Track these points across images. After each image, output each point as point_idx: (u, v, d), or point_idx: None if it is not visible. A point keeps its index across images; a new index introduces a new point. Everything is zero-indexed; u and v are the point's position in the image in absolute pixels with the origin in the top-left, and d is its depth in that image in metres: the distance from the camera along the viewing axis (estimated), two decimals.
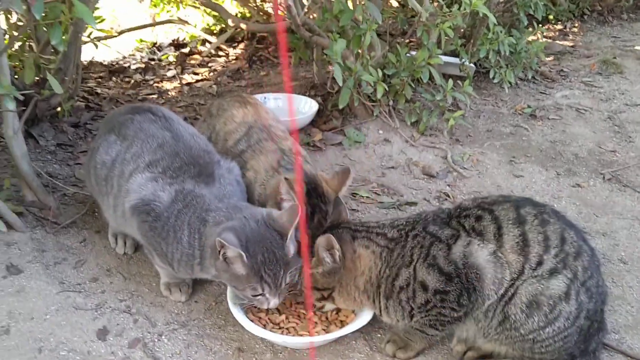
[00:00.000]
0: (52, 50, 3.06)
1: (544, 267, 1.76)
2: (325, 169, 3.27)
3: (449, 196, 3.07)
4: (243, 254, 1.83)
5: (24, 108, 2.36)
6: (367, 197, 3.02)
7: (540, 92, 4.49)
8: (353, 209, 2.91)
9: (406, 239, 1.90)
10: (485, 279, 1.78)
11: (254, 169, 2.39)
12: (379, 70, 3.27)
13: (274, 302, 1.95)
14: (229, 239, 1.83)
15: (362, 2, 3.27)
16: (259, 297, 1.93)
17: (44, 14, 2.12)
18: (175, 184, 2.08)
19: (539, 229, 1.80)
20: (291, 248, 1.96)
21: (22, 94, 1.98)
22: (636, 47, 5.51)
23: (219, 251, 1.85)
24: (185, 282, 2.24)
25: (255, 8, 4.97)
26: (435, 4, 3.70)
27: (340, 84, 3.17)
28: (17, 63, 3.50)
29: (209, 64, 4.97)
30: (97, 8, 3.46)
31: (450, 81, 3.59)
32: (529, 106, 4.16)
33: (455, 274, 1.80)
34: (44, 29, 2.74)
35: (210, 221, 1.97)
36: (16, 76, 2.98)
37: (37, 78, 3.16)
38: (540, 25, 4.76)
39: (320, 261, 1.92)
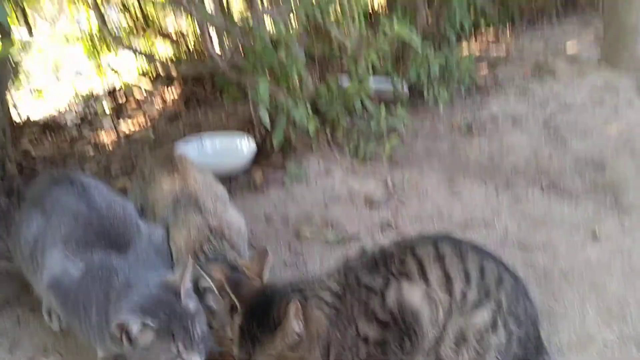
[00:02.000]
0: None
1: (467, 300, 1.77)
2: (268, 210, 3.25)
3: (391, 225, 3.07)
4: (146, 321, 1.78)
5: None
6: (311, 237, 3.00)
7: (476, 105, 4.54)
8: (298, 252, 2.89)
9: (345, 294, 1.86)
10: (423, 318, 1.77)
11: (175, 242, 2.31)
12: (309, 106, 3.28)
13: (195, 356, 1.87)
14: (124, 317, 1.78)
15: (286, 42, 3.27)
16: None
17: None
18: (85, 257, 2.04)
19: (458, 264, 1.81)
20: (190, 303, 1.92)
21: None
22: (567, 48, 5.65)
23: (121, 336, 1.79)
24: (124, 357, 2.18)
25: (187, 51, 4.95)
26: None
27: (267, 126, 3.16)
28: None
29: (145, 108, 4.92)
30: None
31: (383, 108, 3.60)
32: (465, 120, 4.20)
33: (392, 321, 1.78)
34: None
35: (111, 300, 1.91)
36: None
37: None
38: (469, 39, 4.83)
39: (290, 333, 1.75)
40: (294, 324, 1.72)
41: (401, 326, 1.78)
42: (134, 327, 1.78)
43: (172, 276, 1.95)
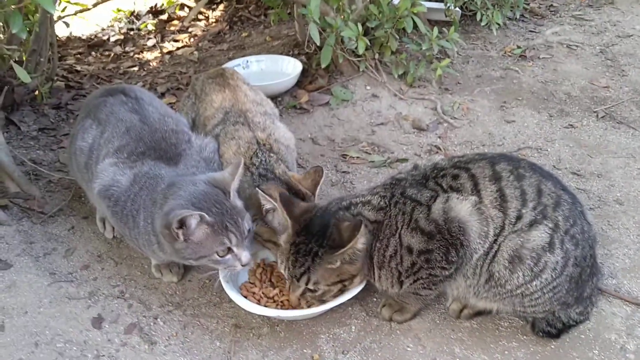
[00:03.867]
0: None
1: (523, 221, 1.74)
2: (314, 131, 3.21)
3: (440, 149, 3.01)
4: (203, 213, 1.80)
5: None
6: (357, 157, 2.97)
7: (530, 31, 4.36)
8: (344, 171, 2.87)
9: (389, 207, 1.86)
10: (471, 232, 1.76)
11: (224, 157, 2.30)
12: (359, 25, 3.17)
13: (244, 255, 1.90)
14: (183, 212, 1.79)
15: None
16: (229, 254, 1.88)
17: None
18: (135, 167, 2.05)
19: (515, 184, 1.77)
20: (237, 201, 1.94)
21: None
22: None
23: (176, 232, 1.81)
24: (176, 263, 2.22)
25: None
26: None
27: (318, 43, 3.07)
28: None
29: (189, 29, 4.85)
30: None
31: (436, 29, 3.47)
32: (518, 47, 4.05)
33: (437, 232, 1.77)
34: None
35: (157, 204, 1.92)
36: None
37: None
38: None
39: (354, 250, 1.79)
40: (359, 241, 1.76)
41: (447, 237, 1.76)
42: (192, 221, 1.80)
43: (220, 174, 1.96)
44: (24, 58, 3.24)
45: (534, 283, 1.75)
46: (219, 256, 1.87)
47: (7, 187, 2.52)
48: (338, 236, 1.77)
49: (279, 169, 2.21)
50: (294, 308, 1.99)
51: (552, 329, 1.89)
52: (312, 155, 3.04)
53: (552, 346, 1.91)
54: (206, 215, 1.80)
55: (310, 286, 1.82)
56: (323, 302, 1.99)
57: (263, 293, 2.08)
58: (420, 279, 1.84)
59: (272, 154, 2.26)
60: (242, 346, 1.97)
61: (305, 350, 1.95)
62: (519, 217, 1.74)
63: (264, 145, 2.28)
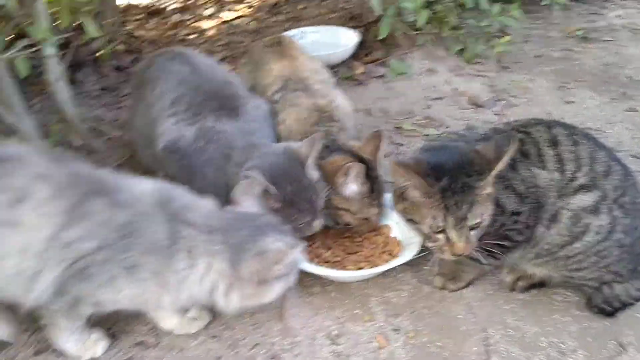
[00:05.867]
0: None
1: (574, 184, 1.73)
2: (369, 103, 3.21)
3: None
4: (271, 186, 1.83)
5: (64, 52, 2.37)
6: (411, 130, 2.96)
7: (593, 13, 4.25)
8: (398, 143, 2.86)
9: None
10: (547, 199, 1.75)
11: (285, 123, 2.31)
12: None
13: (316, 223, 1.95)
14: (257, 177, 1.83)
15: None
16: (301, 226, 1.93)
17: None
18: (198, 121, 2.10)
19: (571, 148, 1.77)
20: (314, 174, 1.96)
21: (62, 39, 1.98)
22: None
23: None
24: None
25: None
26: None
27: (379, 13, 3.05)
28: (55, 9, 3.50)
29: (246, 0, 4.88)
30: None
31: (497, 5, 3.41)
32: (580, 28, 3.95)
33: (526, 195, 1.76)
34: None
35: (233, 159, 1.96)
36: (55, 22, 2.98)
37: (76, 23, 3.16)
38: None
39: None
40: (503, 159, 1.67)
41: (533, 201, 1.76)
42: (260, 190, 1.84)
43: (297, 145, 1.99)
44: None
45: (575, 244, 1.74)
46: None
47: (71, 140, 2.61)
48: (483, 160, 1.69)
49: (342, 139, 2.22)
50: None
51: (607, 306, 1.87)
52: (365, 126, 3.03)
53: (607, 323, 1.88)
54: (274, 191, 1.85)
55: (478, 219, 1.70)
56: (375, 265, 2.02)
57: (316, 253, 2.11)
58: (499, 242, 1.82)
59: (333, 122, 2.27)
60: (293, 303, 2.00)
61: (356, 312, 1.96)
62: (572, 180, 1.74)
63: (325, 112, 2.29)
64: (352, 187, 2.05)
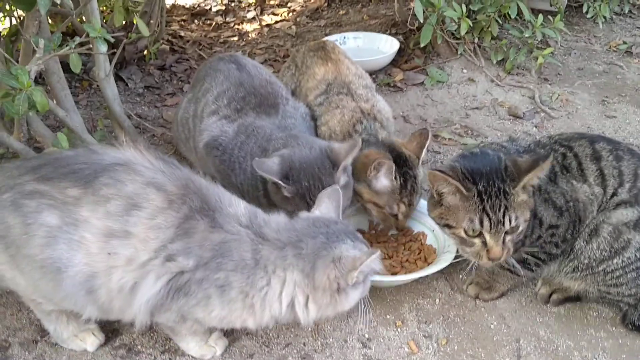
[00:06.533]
0: None
1: (616, 199, 1.73)
2: (406, 110, 3.22)
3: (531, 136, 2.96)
4: (278, 181, 1.88)
5: (113, 51, 2.45)
6: (449, 138, 2.96)
7: (637, 27, 4.19)
8: (435, 151, 2.87)
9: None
10: (587, 213, 1.76)
11: (328, 124, 2.36)
12: (464, 6, 3.14)
13: None
14: (269, 166, 1.88)
15: None
16: None
17: None
18: (239, 118, 2.18)
19: (614, 164, 1.76)
20: (342, 179, 1.97)
21: (112, 37, 2.04)
22: None
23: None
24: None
25: None
26: None
27: (422, 21, 3.07)
28: (105, 7, 3.61)
29: (288, 4, 4.94)
30: None
31: (540, 16, 3.39)
32: (624, 42, 3.91)
33: (565, 208, 1.77)
34: None
35: (270, 150, 2.00)
36: (105, 20, 3.07)
37: (124, 22, 3.25)
38: None
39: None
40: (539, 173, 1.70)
41: (572, 215, 1.77)
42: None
43: (338, 146, 2.01)
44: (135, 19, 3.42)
45: (615, 260, 1.73)
46: None
47: (116, 136, 2.68)
48: (517, 169, 1.69)
49: (382, 134, 2.27)
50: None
51: None
52: (402, 133, 3.05)
53: None
54: (283, 184, 1.90)
55: (513, 223, 1.70)
56: (410, 271, 2.04)
57: None
58: (535, 253, 1.84)
59: (376, 123, 2.31)
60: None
61: (388, 316, 1.98)
62: (614, 195, 1.74)
63: (368, 114, 2.33)
64: (383, 181, 2.08)
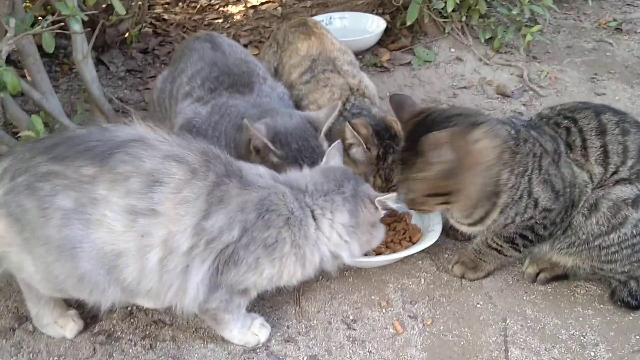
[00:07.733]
0: None
1: (616, 177, 1.68)
2: (394, 90, 3.17)
3: (524, 116, 2.92)
4: (268, 142, 1.87)
5: (92, 30, 2.38)
6: None
7: (628, 4, 4.13)
8: None
9: (518, 140, 1.71)
10: (581, 197, 1.72)
11: (317, 103, 2.31)
12: None
13: None
14: (258, 128, 1.87)
15: None
16: None
17: None
18: (212, 99, 2.16)
19: (619, 138, 1.69)
20: (324, 143, 1.99)
21: (88, 16, 1.98)
22: None
23: (249, 144, 1.89)
24: None
25: None
26: None
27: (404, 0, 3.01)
28: None
29: None
30: None
31: None
32: (614, 19, 3.85)
33: (562, 193, 1.71)
34: None
35: (244, 128, 1.98)
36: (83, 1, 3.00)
37: (104, 5, 3.18)
38: None
39: (430, 163, 1.63)
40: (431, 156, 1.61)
41: (567, 199, 1.72)
42: (259, 143, 1.90)
43: (315, 114, 2.03)
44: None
45: (612, 235, 1.69)
46: None
47: (96, 119, 2.63)
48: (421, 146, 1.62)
49: (373, 109, 2.26)
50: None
51: (632, 300, 1.82)
52: (390, 113, 3.00)
53: (630, 317, 1.84)
54: (274, 148, 1.89)
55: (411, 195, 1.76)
56: (394, 251, 2.01)
57: None
58: (522, 231, 1.80)
59: (365, 99, 2.30)
60: (310, 287, 1.99)
61: (372, 297, 1.95)
62: (614, 173, 1.69)
63: (357, 90, 2.32)
64: (356, 149, 2.08)
